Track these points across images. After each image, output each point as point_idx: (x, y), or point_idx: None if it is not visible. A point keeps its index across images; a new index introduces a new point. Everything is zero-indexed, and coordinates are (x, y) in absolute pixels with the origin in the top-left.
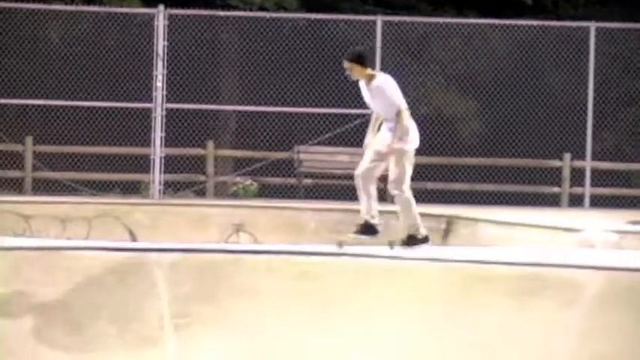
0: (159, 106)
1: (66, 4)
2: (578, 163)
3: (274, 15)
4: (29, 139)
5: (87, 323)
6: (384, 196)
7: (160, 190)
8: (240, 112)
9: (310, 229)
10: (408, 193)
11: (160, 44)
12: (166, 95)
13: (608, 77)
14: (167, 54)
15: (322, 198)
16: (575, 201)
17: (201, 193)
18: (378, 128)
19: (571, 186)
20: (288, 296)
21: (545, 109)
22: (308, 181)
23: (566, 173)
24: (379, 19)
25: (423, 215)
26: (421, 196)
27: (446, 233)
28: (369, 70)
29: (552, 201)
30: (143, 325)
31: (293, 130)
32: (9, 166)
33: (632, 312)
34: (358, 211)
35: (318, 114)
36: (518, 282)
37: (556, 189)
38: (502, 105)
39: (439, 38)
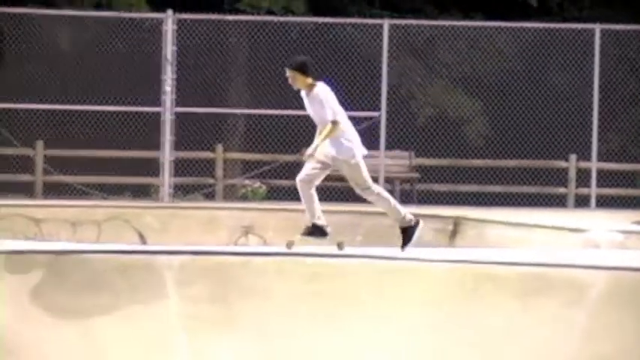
0: (168, 110)
1: (75, 9)
2: (583, 164)
3: (282, 19)
4: (40, 143)
5: (97, 325)
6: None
7: (169, 193)
8: (248, 115)
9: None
10: (378, 189)
11: (169, 49)
12: (175, 99)
13: (614, 78)
14: (176, 58)
15: (329, 200)
16: (581, 201)
17: (210, 195)
18: None
19: (577, 187)
20: (298, 298)
21: (550, 110)
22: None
23: (572, 174)
24: (386, 23)
25: (430, 217)
26: (429, 198)
27: (453, 234)
28: (309, 80)
29: (558, 201)
30: (153, 327)
31: (301, 132)
32: (20, 170)
33: (636, 312)
34: (367, 213)
35: None
36: (524, 282)
37: (562, 190)
38: (508, 106)
39: (445, 41)
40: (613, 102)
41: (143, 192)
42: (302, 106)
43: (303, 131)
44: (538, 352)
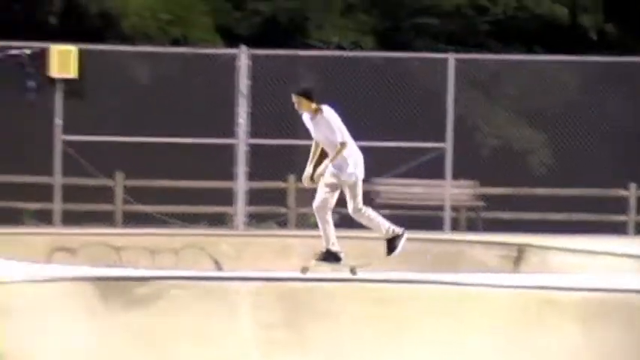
0: (242, 141)
1: (154, 45)
2: None
3: (351, 54)
4: (120, 174)
5: (174, 348)
6: None
7: (244, 222)
8: None
9: (387, 258)
10: (366, 211)
11: (243, 82)
12: (249, 131)
13: None
14: (249, 91)
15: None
16: None
17: (283, 224)
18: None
19: (637, 214)
20: (365, 321)
21: (611, 140)
22: (385, 211)
23: (632, 202)
24: (451, 57)
25: (495, 244)
26: (493, 226)
27: (517, 261)
28: (314, 105)
29: (618, 229)
30: (228, 350)
31: (370, 163)
32: (101, 200)
33: None
34: (434, 240)
35: (394, 148)
36: (585, 307)
37: (622, 217)
38: (570, 137)
39: (509, 74)
40: None
41: (218, 221)
42: (370, 138)
43: (372, 161)
44: None
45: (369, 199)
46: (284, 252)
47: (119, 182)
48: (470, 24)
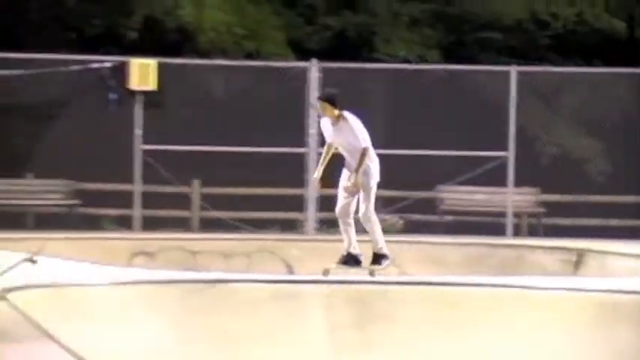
0: (312, 150)
1: (228, 59)
2: None
3: (417, 67)
4: (196, 182)
5: (248, 349)
6: None
7: (314, 227)
8: (386, 155)
9: (451, 262)
10: (375, 220)
11: (313, 94)
12: (319, 140)
13: None
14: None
15: (462, 233)
16: None
17: None
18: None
19: None
20: (428, 322)
21: None
22: (449, 217)
23: None
24: (513, 70)
25: (556, 249)
26: (554, 231)
27: (577, 265)
28: (336, 111)
29: None
30: (301, 351)
31: (435, 171)
32: (178, 207)
33: None
34: (498, 246)
35: (458, 156)
36: None
37: None
38: (626, 145)
39: (568, 86)
40: None
41: (290, 226)
42: (435, 147)
43: (437, 169)
44: None
45: (433, 206)
46: None
47: (196, 190)
48: (531, 38)
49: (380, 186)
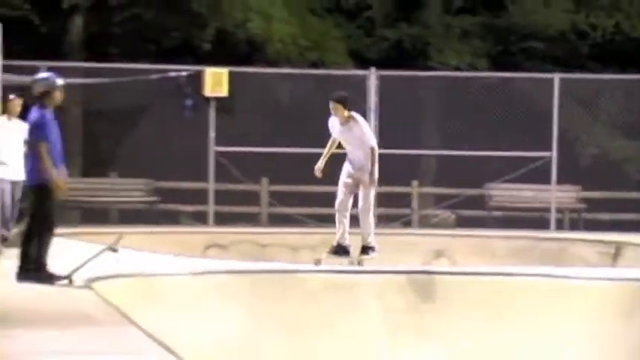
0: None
1: (294, 68)
2: None
3: (467, 74)
4: (265, 180)
5: (312, 334)
6: None
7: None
8: (439, 156)
9: (499, 254)
10: (372, 215)
11: (372, 100)
12: (377, 142)
13: None
14: (378, 107)
15: (509, 227)
16: None
17: (407, 223)
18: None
19: None
20: (477, 309)
21: None
22: (497, 213)
23: None
24: (556, 77)
25: (596, 242)
26: (594, 225)
27: (615, 257)
28: (346, 112)
29: None
30: (359, 336)
31: (484, 170)
32: (249, 203)
33: None
34: (541, 239)
35: (505, 156)
36: None
37: None
38: None
39: (606, 91)
40: None
41: (351, 221)
42: (484, 148)
43: (486, 169)
44: None
45: (483, 202)
46: (408, 248)
47: (264, 187)
48: (572, 47)
49: (433, 184)
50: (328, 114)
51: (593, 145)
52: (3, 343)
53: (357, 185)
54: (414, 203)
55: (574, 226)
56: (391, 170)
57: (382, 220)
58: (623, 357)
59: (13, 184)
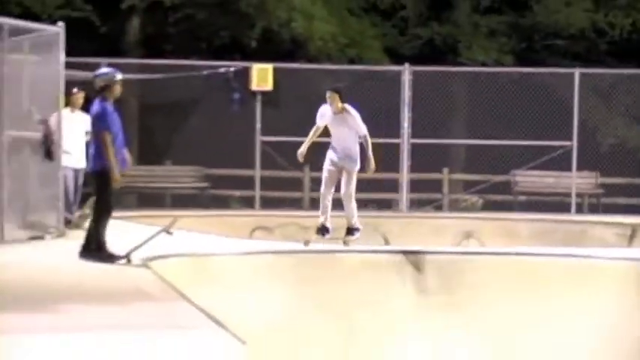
0: (405, 141)
1: (334, 64)
2: None
3: (494, 69)
4: (307, 168)
5: (351, 311)
6: None
7: (407, 206)
8: (468, 145)
9: (524, 236)
10: (353, 199)
11: (406, 93)
12: (411, 132)
13: None
14: (411, 101)
15: (533, 211)
16: None
17: (438, 207)
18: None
19: None
20: (506, 287)
21: None
22: (522, 197)
23: None
24: (577, 72)
25: (613, 224)
26: (611, 209)
27: (631, 238)
28: (340, 103)
29: None
30: (394, 312)
31: (510, 158)
32: (292, 189)
33: None
34: (562, 221)
35: (529, 145)
36: None
37: None
38: None
39: (623, 84)
40: None
41: (386, 205)
42: (509, 137)
43: (512, 157)
44: None
45: (509, 188)
46: (439, 231)
47: (306, 174)
48: (592, 44)
49: (462, 171)
50: (364, 107)
51: (610, 135)
52: (65, 316)
53: (340, 172)
54: (445, 189)
55: (593, 209)
56: (423, 158)
57: (415, 205)
58: (638, 329)
59: (76, 171)
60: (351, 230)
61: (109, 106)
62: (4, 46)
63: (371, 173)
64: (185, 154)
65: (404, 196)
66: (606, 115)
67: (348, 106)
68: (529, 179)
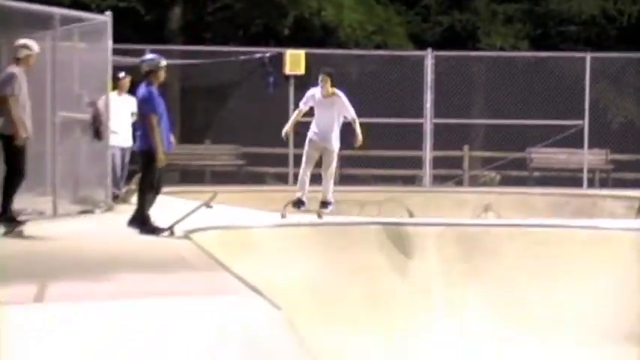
0: (428, 121)
1: (361, 49)
2: None
3: (511, 54)
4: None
5: (379, 279)
6: None
7: (430, 181)
8: (486, 124)
9: (538, 208)
10: (332, 177)
11: (429, 77)
12: (433, 113)
13: None
14: (434, 84)
15: (547, 185)
16: None
17: (459, 183)
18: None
19: None
20: (523, 257)
21: None
22: (537, 173)
23: None
24: (588, 56)
25: (622, 197)
26: (620, 183)
27: (639, 210)
28: (331, 88)
29: None
30: (418, 279)
31: (526, 136)
32: (321, 165)
33: None
34: (571, 195)
35: (543, 124)
36: None
37: None
38: None
39: (632, 67)
40: None
41: (411, 181)
42: (525, 117)
43: (528, 135)
44: None
45: (524, 164)
46: (460, 204)
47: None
48: (602, 30)
49: (481, 148)
50: (390, 89)
51: (620, 114)
52: (114, 284)
53: (320, 152)
54: (465, 165)
55: (603, 184)
56: (445, 137)
57: (437, 180)
58: None
59: (122, 149)
60: (325, 204)
61: (155, 90)
62: (56, 35)
63: (359, 145)
64: (224, 133)
65: (427, 172)
66: (616, 96)
67: (337, 91)
68: (543, 156)
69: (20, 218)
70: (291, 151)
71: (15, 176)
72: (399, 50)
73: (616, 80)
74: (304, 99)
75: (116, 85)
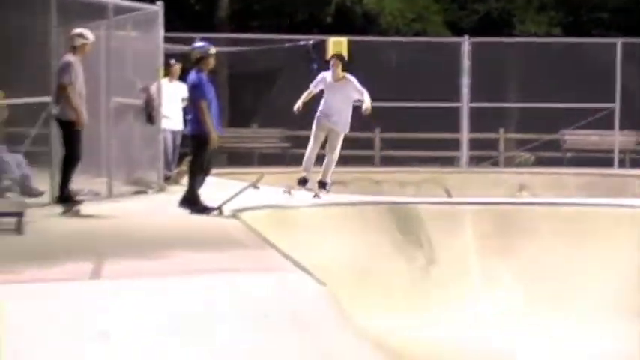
0: (465, 105)
1: (400, 37)
2: None
3: (544, 39)
4: (377, 129)
5: (414, 252)
6: None
7: (466, 162)
8: (521, 107)
9: (571, 188)
10: (336, 158)
11: (466, 62)
12: (470, 97)
13: None
14: (470, 69)
15: (579, 166)
16: None
17: (495, 163)
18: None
19: None
20: (556, 234)
21: None
22: (569, 154)
23: None
24: (619, 41)
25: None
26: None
27: None
28: (343, 70)
29: None
30: (454, 253)
31: (559, 119)
32: (364, 148)
33: None
34: (605, 175)
35: (576, 107)
36: None
37: None
38: None
39: None
40: None
41: (449, 162)
42: (559, 100)
43: (561, 117)
44: None
45: (558, 145)
46: (496, 184)
47: (377, 135)
48: (633, 17)
49: (516, 130)
50: (429, 75)
51: None
52: (166, 261)
53: (327, 133)
54: (501, 147)
55: (634, 164)
56: (481, 120)
57: (474, 161)
58: None
59: (174, 133)
60: (323, 184)
61: (204, 76)
62: (110, 24)
63: (367, 112)
64: (269, 118)
65: (464, 153)
66: None
67: (348, 75)
68: (576, 138)
69: (77, 199)
70: None
71: (72, 159)
72: (437, 37)
73: None
74: (314, 82)
75: (167, 71)
